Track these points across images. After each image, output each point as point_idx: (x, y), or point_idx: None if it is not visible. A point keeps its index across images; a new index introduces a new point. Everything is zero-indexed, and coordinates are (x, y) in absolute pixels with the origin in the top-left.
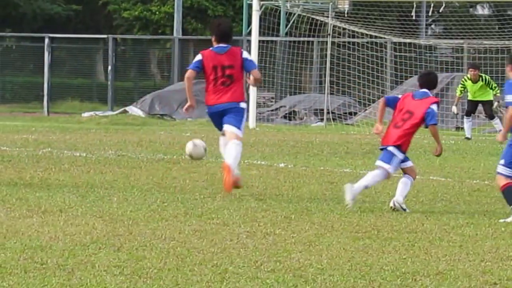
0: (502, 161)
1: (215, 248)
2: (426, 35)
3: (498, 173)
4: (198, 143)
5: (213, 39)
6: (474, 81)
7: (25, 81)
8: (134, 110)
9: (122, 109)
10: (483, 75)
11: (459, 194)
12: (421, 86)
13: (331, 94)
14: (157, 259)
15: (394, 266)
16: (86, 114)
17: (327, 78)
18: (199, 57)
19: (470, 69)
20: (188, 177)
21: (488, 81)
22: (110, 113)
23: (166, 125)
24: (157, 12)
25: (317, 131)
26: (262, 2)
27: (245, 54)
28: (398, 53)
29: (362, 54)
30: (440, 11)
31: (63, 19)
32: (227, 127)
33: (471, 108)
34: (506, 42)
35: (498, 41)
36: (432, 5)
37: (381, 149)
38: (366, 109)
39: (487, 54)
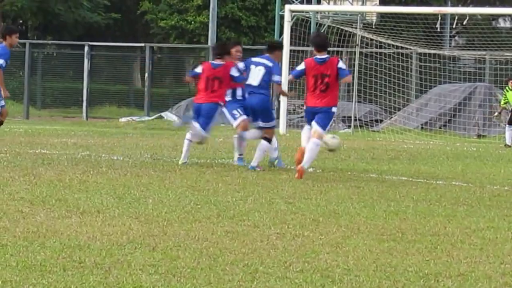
0: None
1: (246, 248)
2: (450, 46)
3: None
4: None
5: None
6: None
7: (65, 87)
8: (169, 115)
9: (158, 114)
10: None
11: (480, 199)
12: None
13: (358, 102)
14: (190, 258)
15: (418, 267)
16: (123, 119)
17: (355, 87)
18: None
19: (510, 81)
20: (221, 181)
21: None
22: (147, 118)
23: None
24: (192, 22)
25: (345, 137)
26: (293, 13)
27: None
28: (423, 63)
29: (389, 64)
30: (464, 23)
31: (103, 27)
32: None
33: None
34: None
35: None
36: (456, 17)
37: None
38: (391, 117)
39: (508, 65)
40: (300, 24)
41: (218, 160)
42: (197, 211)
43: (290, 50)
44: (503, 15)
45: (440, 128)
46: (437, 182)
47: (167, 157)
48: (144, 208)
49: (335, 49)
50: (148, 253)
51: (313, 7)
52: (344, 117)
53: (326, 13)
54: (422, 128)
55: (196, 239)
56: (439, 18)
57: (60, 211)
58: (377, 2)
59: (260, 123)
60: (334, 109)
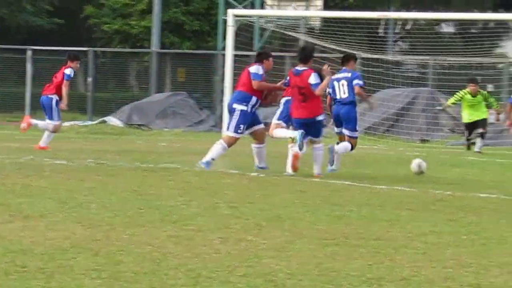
0: None
1: (189, 253)
2: (393, 51)
3: None
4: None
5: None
6: (474, 95)
7: (8, 91)
8: (112, 120)
9: (101, 119)
10: (482, 90)
11: (423, 204)
12: None
13: None
14: (133, 263)
15: (360, 272)
16: (66, 124)
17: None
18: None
19: (471, 84)
20: (164, 185)
21: (486, 97)
22: (90, 122)
23: (143, 134)
24: (136, 26)
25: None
26: (236, 18)
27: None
28: (366, 68)
29: (332, 69)
30: (407, 28)
31: (46, 32)
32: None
33: (470, 130)
34: (469, 59)
35: (461, 57)
36: (399, 22)
37: None
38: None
39: (451, 70)
40: (244, 28)
41: (162, 165)
42: (140, 216)
43: (234, 55)
44: (446, 20)
45: (383, 133)
46: (381, 186)
47: (111, 162)
48: (87, 212)
49: (279, 53)
50: (91, 257)
51: (257, 11)
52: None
53: (270, 17)
54: (365, 133)
55: (139, 243)
56: (382, 23)
57: (3, 215)
58: (321, 7)
59: (346, 132)
60: (319, 118)
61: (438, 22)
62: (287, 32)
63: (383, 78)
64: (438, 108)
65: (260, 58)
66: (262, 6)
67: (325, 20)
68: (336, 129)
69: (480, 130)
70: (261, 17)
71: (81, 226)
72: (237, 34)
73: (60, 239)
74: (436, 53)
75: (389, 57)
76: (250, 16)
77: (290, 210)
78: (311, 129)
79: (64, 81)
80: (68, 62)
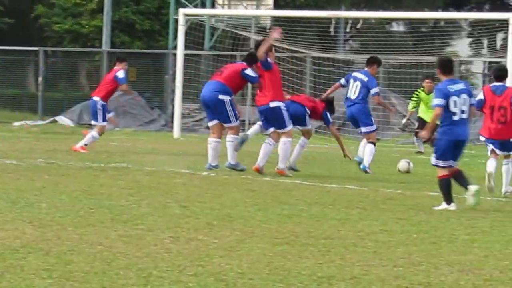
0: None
1: (140, 252)
2: (344, 50)
3: (433, 165)
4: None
5: None
6: (428, 92)
7: None
8: (63, 119)
9: (52, 118)
10: None
11: (373, 202)
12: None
13: (252, 105)
14: (84, 263)
15: (311, 270)
16: (17, 123)
17: (249, 90)
18: None
19: (427, 80)
20: (115, 185)
21: None
22: (41, 122)
23: None
24: (86, 26)
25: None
26: (187, 17)
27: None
28: (317, 67)
29: (283, 68)
30: (358, 27)
31: None
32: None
33: (421, 126)
34: (420, 58)
35: (412, 56)
36: (349, 21)
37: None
38: None
39: (402, 69)
40: (195, 28)
41: (112, 164)
42: (91, 215)
43: (185, 54)
44: (396, 19)
45: None
46: (331, 185)
47: (61, 161)
48: (38, 212)
49: (229, 53)
50: (41, 257)
51: (207, 11)
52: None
53: (221, 17)
54: (316, 131)
55: (90, 243)
56: (333, 22)
57: None
58: (271, 6)
59: (362, 129)
60: (273, 104)
61: (389, 21)
62: (237, 31)
63: (334, 77)
64: (403, 123)
65: (253, 61)
66: (213, 6)
67: (276, 19)
68: (360, 131)
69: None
70: (212, 16)
71: (31, 226)
72: (188, 34)
73: (10, 238)
74: (386, 52)
75: (340, 56)
76: (201, 16)
77: (240, 209)
78: (269, 118)
79: (123, 86)
80: (116, 64)
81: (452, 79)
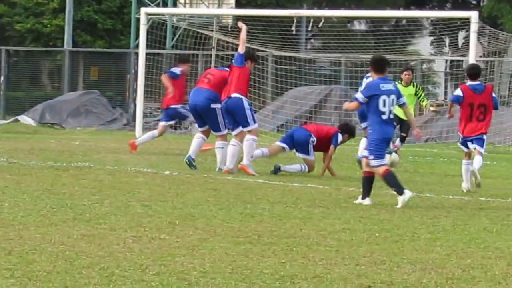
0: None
1: (103, 252)
2: (305, 49)
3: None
4: None
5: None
6: (406, 85)
7: None
8: (25, 119)
9: (14, 118)
10: (415, 82)
11: (335, 201)
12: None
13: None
14: (46, 262)
15: (274, 269)
16: None
17: None
18: None
19: (406, 72)
20: (77, 184)
21: (418, 89)
22: (2, 121)
23: (56, 133)
24: (48, 25)
25: None
26: (149, 16)
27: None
28: (279, 66)
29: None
30: (319, 26)
31: None
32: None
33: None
34: None
35: (374, 55)
36: (311, 20)
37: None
38: None
39: (364, 67)
40: (156, 27)
41: (74, 164)
42: (53, 215)
43: (146, 53)
44: (358, 18)
45: None
46: (293, 184)
47: (23, 161)
48: (0, 212)
49: (191, 52)
50: (3, 257)
51: (169, 10)
52: None
53: (182, 16)
54: (278, 130)
55: (52, 242)
56: (295, 20)
57: None
58: (233, 5)
59: (362, 125)
60: (234, 95)
61: (350, 19)
62: (199, 30)
63: (296, 76)
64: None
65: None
66: (174, 4)
67: (238, 18)
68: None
69: (402, 134)
70: (173, 15)
71: None
72: (149, 33)
73: None
74: (348, 50)
75: (302, 55)
76: (162, 15)
77: (203, 208)
78: (230, 110)
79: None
80: (179, 64)
81: (383, 78)
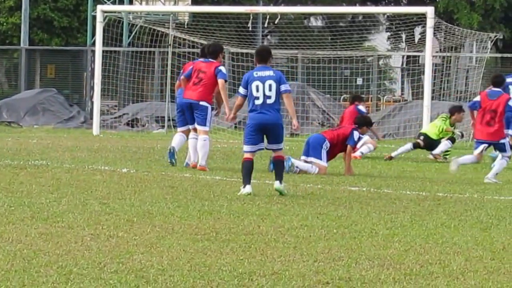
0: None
1: (60, 250)
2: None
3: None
4: None
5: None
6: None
7: None
8: None
9: None
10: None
11: (293, 197)
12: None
13: (172, 102)
14: (4, 261)
15: (232, 266)
16: None
17: (168, 87)
18: None
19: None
20: (35, 182)
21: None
22: None
23: (13, 132)
24: (4, 23)
25: (158, 137)
26: (105, 14)
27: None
28: (235, 63)
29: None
30: (276, 22)
31: None
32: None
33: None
34: (338, 53)
35: (330, 51)
36: (267, 17)
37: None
38: None
39: (320, 64)
40: (113, 24)
41: (32, 162)
42: (10, 213)
43: (103, 51)
44: (314, 14)
45: None
46: (251, 181)
47: None
48: None
49: (148, 49)
50: None
51: (125, 7)
52: (158, 117)
53: (139, 13)
54: (235, 127)
55: (10, 241)
56: (251, 17)
57: None
58: (189, 2)
59: None
60: (202, 102)
61: (307, 16)
62: (156, 28)
63: None
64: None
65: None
66: (131, 2)
67: (194, 15)
68: None
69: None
70: (129, 12)
71: None
72: (106, 30)
73: None
74: (305, 47)
75: None
76: (119, 12)
77: (160, 206)
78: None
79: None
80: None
81: (263, 66)
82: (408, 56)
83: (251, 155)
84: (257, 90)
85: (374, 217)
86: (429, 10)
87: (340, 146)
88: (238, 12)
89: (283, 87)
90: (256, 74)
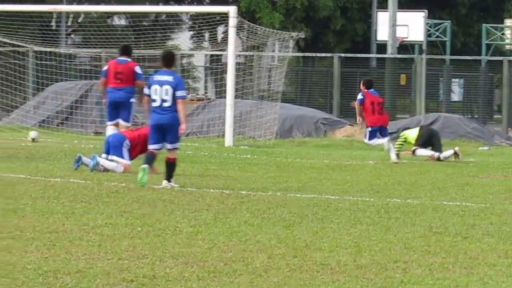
0: None
1: None
2: (66, 44)
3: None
4: None
5: None
6: None
7: None
8: None
9: None
10: None
11: (98, 196)
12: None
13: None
14: None
15: (37, 264)
16: None
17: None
18: None
19: None
20: None
21: None
22: None
23: None
24: None
25: None
26: None
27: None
28: (39, 61)
29: (5, 62)
30: (79, 21)
31: None
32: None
33: None
34: (142, 51)
35: (134, 50)
36: (71, 15)
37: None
38: (9, 115)
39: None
40: None
41: None
42: None
43: None
44: (117, 13)
45: (57, 125)
46: (55, 179)
47: None
48: None
49: None
50: None
51: None
52: None
53: None
54: (40, 125)
55: None
56: (54, 16)
57: None
58: None
59: None
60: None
61: (110, 14)
62: None
63: (56, 71)
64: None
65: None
66: None
67: None
68: None
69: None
70: None
71: None
72: None
73: None
74: (108, 45)
75: (62, 50)
76: None
77: None
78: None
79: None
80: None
81: (165, 71)
82: (211, 55)
83: (156, 151)
84: (155, 93)
85: (178, 215)
86: (231, 10)
87: (141, 146)
88: (41, 11)
89: (178, 93)
90: (156, 78)
